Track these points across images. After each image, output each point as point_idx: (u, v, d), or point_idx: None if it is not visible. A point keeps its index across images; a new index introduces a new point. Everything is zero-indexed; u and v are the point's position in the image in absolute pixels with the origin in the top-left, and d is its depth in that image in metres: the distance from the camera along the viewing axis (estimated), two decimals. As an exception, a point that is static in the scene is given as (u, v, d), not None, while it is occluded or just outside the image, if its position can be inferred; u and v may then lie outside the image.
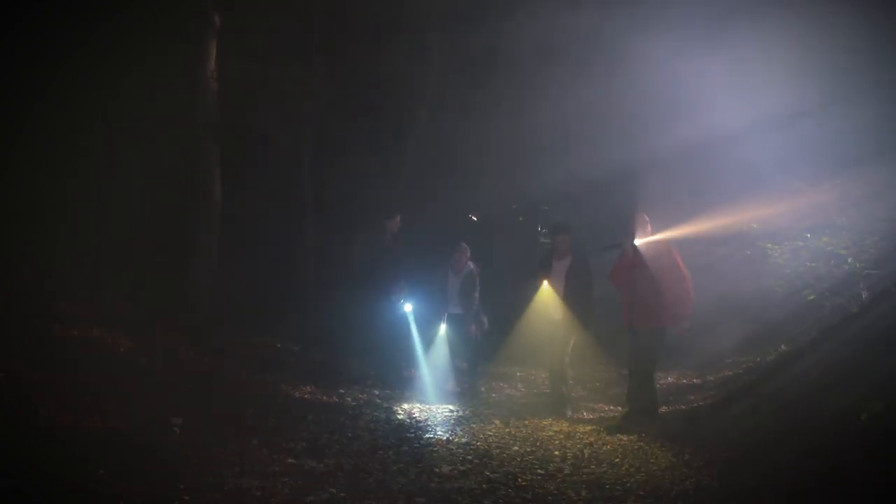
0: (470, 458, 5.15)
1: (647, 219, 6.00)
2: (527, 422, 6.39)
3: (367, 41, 10.60)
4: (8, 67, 6.05)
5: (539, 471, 4.80)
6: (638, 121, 9.91)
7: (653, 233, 5.93)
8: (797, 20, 7.66)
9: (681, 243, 5.95)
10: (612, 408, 7.01)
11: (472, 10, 11.22)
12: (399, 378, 7.84)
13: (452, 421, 6.42)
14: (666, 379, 8.23)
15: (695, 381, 8.04)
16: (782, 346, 7.69)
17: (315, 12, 9.68)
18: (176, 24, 7.12)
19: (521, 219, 11.57)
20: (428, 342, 7.86)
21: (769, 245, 7.54)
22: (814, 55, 7.45)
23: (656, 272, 5.75)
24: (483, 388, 7.82)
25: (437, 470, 4.82)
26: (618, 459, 5.04)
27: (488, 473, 4.76)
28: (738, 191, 7.31)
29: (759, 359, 7.85)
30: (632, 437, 5.59)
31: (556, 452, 5.28)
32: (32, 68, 6.20)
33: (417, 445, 5.50)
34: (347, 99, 10.59)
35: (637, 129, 9.93)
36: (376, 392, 7.40)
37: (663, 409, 6.54)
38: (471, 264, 7.71)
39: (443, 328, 7.73)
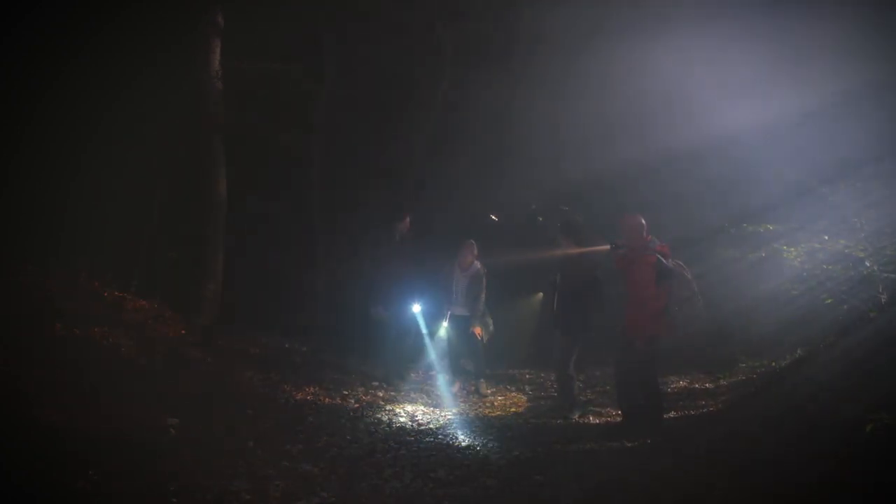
0: (468, 463, 5.05)
1: (641, 221, 5.76)
2: (530, 425, 6.28)
3: (378, 38, 10.52)
4: (12, 66, 6.07)
5: (537, 477, 4.68)
6: (650, 119, 9.71)
7: (647, 235, 5.74)
8: (813, 15, 7.45)
9: (682, 244, 5.77)
10: (619, 412, 6.84)
11: (486, 6, 11.09)
12: (405, 380, 7.77)
13: (455, 424, 6.31)
14: (678, 383, 8.07)
15: (707, 385, 7.86)
16: (798, 351, 7.48)
17: (325, 10, 9.63)
18: (180, 24, 7.11)
19: (540, 219, 11.43)
20: (432, 342, 7.77)
21: (784, 247, 7.32)
22: (830, 50, 7.24)
23: (637, 282, 5.58)
24: (490, 391, 7.71)
25: (433, 475, 4.74)
26: (620, 465, 4.90)
27: (485, 479, 4.66)
28: (751, 190, 7.12)
29: (773, 363, 7.65)
30: (636, 442, 5.44)
31: (557, 458, 5.16)
32: (35, 68, 6.22)
33: (416, 449, 5.41)
34: (358, 97, 10.53)
35: (650, 127, 9.74)
36: (380, 394, 7.32)
37: (672, 413, 6.39)
38: (478, 263, 7.57)
39: (444, 327, 7.58)
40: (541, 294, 6.89)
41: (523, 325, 9.63)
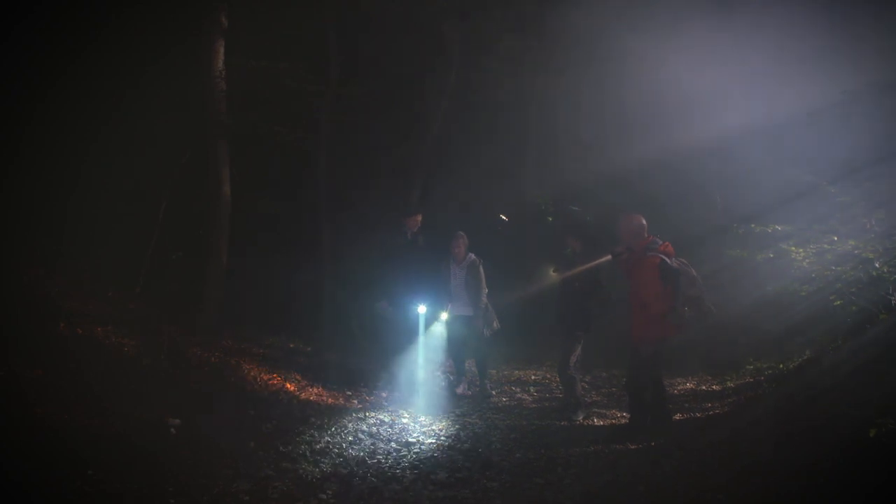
0: (469, 465, 5.01)
1: (641, 222, 5.67)
2: (534, 427, 6.22)
3: (385, 37, 10.49)
4: (16, 67, 6.09)
5: (538, 480, 4.64)
6: (661, 118, 9.63)
7: (649, 235, 5.66)
8: (823, 14, 7.37)
9: (689, 243, 5.70)
10: (624, 414, 6.79)
11: (494, 4, 11.03)
12: (409, 380, 7.71)
13: (458, 426, 6.27)
14: (685, 385, 8.00)
15: (714, 387, 7.79)
16: (806, 352, 7.40)
17: (331, 10, 9.61)
18: (184, 24, 7.12)
19: (550, 219, 11.39)
20: (436, 342, 7.70)
21: (793, 247, 7.22)
22: (839, 49, 7.14)
23: (641, 285, 5.51)
24: (494, 392, 7.65)
25: (434, 477, 4.71)
26: (622, 468, 4.84)
27: (485, 482, 4.62)
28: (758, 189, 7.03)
29: (781, 364, 7.56)
30: (640, 445, 5.38)
31: (560, 460, 5.11)
32: (40, 69, 6.24)
33: (418, 451, 5.38)
34: (364, 96, 10.50)
35: (661, 125, 9.65)
36: (384, 394, 7.29)
37: (678, 415, 6.33)
38: (472, 255, 7.48)
39: (443, 319, 7.47)
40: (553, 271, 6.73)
41: (528, 325, 9.55)
